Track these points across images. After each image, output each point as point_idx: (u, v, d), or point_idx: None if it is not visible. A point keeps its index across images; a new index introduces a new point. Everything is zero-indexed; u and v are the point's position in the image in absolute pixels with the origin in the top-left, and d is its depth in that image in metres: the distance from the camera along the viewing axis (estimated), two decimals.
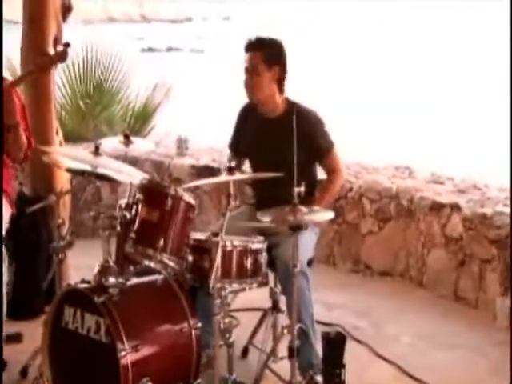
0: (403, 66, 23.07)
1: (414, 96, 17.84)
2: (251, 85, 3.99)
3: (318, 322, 4.01)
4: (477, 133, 13.50)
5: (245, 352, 4.14)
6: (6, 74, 4.52)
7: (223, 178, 3.53)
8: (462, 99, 17.29)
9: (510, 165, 4.99)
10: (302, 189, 3.40)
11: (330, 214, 3.54)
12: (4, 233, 4.03)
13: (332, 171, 4.06)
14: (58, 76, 6.63)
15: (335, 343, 3.85)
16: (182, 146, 6.18)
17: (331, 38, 30.45)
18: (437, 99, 17.46)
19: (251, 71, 3.96)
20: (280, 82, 4.01)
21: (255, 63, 3.95)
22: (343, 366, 3.76)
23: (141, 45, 28.34)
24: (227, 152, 4.33)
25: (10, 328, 4.13)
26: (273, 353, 3.71)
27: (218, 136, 5.67)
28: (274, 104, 4.03)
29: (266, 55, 3.94)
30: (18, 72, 5.11)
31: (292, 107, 3.95)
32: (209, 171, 5.10)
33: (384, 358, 4.20)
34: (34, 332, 4.07)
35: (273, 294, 3.73)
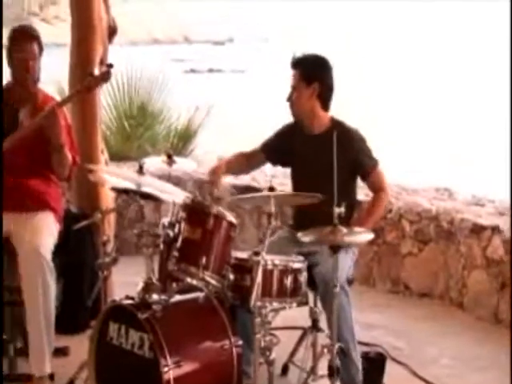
0: (442, 85, 22.91)
1: (454, 118, 17.75)
2: (291, 100, 4.09)
3: (358, 343, 3.98)
4: None
5: (285, 370, 4.17)
6: (55, 95, 4.62)
7: (265, 193, 3.55)
8: (499, 120, 17.14)
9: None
10: (342, 209, 3.43)
11: (370, 235, 3.57)
12: (53, 248, 4.11)
13: (378, 189, 4.09)
14: (104, 97, 6.74)
15: (375, 363, 3.88)
16: None
17: (365, 55, 30.48)
18: (475, 121, 17.35)
19: (292, 87, 4.07)
20: (322, 98, 4.07)
21: (295, 80, 4.06)
22: None
23: (183, 66, 28.58)
24: (267, 172, 4.38)
25: (57, 342, 4.19)
26: (313, 371, 3.75)
27: None
28: (315, 120, 4.09)
29: (305, 72, 4.04)
30: (66, 93, 5.22)
31: (336, 125, 4.01)
32: (250, 190, 5.13)
33: (423, 379, 4.20)
34: (80, 346, 4.15)
35: (312, 313, 3.76)
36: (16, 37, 4.32)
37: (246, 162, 4.32)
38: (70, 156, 4.23)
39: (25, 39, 4.29)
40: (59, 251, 4.19)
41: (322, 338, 3.78)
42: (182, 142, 7.98)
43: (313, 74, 4.05)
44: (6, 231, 4.17)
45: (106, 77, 4.54)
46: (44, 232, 4.13)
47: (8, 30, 4.53)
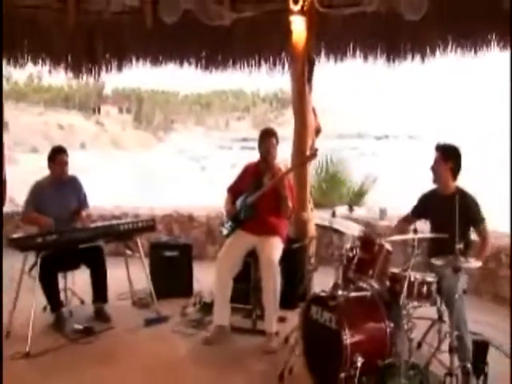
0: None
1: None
2: (434, 169, 3.86)
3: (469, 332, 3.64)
4: None
5: (419, 345, 3.92)
6: (282, 167, 4.68)
7: (410, 235, 3.39)
8: None
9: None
10: (461, 246, 3.20)
11: (479, 263, 3.28)
12: (279, 257, 4.07)
13: (482, 238, 3.75)
14: (312, 168, 6.74)
15: (481, 346, 3.56)
16: (382, 213, 6.09)
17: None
18: None
19: (435, 161, 3.85)
20: (453, 173, 3.80)
21: (437, 158, 3.84)
22: (486, 363, 3.48)
23: (357, 152, 27.11)
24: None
25: (279, 313, 4.17)
26: (438, 348, 3.49)
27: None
28: (447, 186, 3.82)
29: (444, 154, 3.79)
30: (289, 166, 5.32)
31: (459, 191, 3.73)
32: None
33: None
34: (293, 317, 4.17)
35: (439, 310, 3.53)
36: (263, 134, 4.39)
37: (404, 225, 4.04)
38: (290, 204, 4.25)
39: (268, 135, 4.35)
40: (283, 260, 4.19)
41: (445, 327, 3.51)
42: (357, 197, 7.69)
43: (449, 156, 3.79)
44: (254, 245, 4.23)
45: (313, 157, 4.61)
46: (275, 248, 4.17)
47: None
